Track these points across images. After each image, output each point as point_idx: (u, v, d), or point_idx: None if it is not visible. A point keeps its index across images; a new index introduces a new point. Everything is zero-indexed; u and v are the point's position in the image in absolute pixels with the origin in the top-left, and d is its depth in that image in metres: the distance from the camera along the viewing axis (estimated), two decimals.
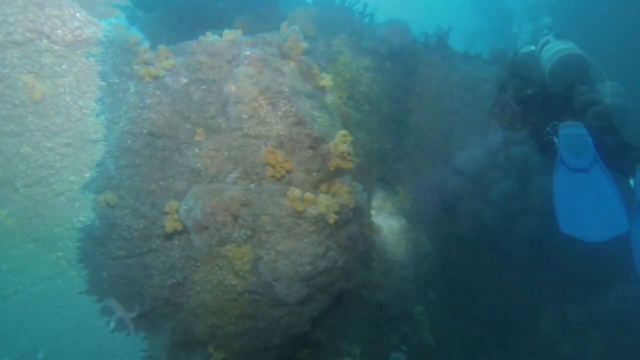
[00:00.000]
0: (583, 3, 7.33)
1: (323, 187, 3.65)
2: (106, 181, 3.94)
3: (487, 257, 3.46)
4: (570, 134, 2.91)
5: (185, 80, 3.79)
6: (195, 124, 3.82)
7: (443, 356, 3.25)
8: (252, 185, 3.37)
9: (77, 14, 3.30)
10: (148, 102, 3.67)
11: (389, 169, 3.84)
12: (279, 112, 3.50)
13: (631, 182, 2.89)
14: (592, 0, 7.23)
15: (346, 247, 3.79)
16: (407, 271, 3.77)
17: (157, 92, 3.66)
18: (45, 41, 3.22)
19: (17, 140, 3.37)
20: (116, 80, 3.69)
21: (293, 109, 3.51)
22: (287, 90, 3.42)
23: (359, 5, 4.28)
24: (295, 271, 3.51)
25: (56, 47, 3.29)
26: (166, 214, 3.68)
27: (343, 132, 3.42)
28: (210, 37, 3.48)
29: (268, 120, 3.51)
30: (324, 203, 3.30)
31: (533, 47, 6.36)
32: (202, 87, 3.37)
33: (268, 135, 3.51)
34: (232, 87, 3.41)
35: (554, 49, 5.90)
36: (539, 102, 3.27)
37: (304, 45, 3.40)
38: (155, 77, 3.65)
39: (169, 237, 3.85)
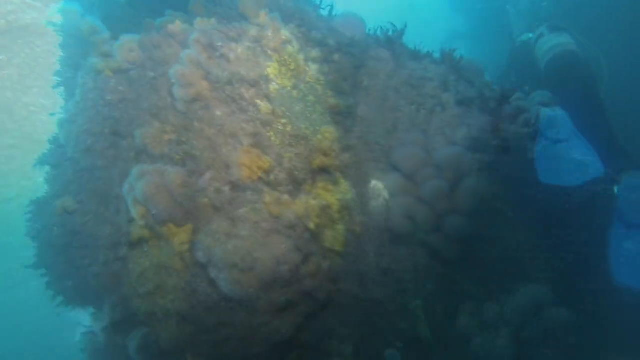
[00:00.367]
0: None
1: (307, 187, 3.64)
2: (64, 186, 3.84)
3: (418, 253, 3.57)
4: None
5: (152, 74, 3.79)
6: (163, 121, 3.84)
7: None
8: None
9: None
10: (109, 98, 3.59)
11: (333, 160, 3.90)
12: (222, 97, 3.53)
13: (615, 189, 3.03)
14: None
15: (360, 284, 3.80)
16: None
17: (120, 88, 3.60)
18: None
19: None
20: (70, 75, 3.56)
21: (236, 95, 3.54)
22: (231, 76, 3.45)
23: None
24: (274, 278, 3.47)
25: None
26: (132, 220, 3.63)
27: (328, 128, 3.45)
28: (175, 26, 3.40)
29: (211, 106, 3.54)
30: (303, 206, 3.33)
31: (531, 35, 6.41)
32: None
33: (210, 121, 3.54)
34: (177, 70, 3.43)
35: (549, 43, 5.97)
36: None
37: (285, 35, 3.41)
38: (117, 71, 3.53)
39: (135, 245, 3.82)
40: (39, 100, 3.37)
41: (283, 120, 3.64)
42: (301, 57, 3.63)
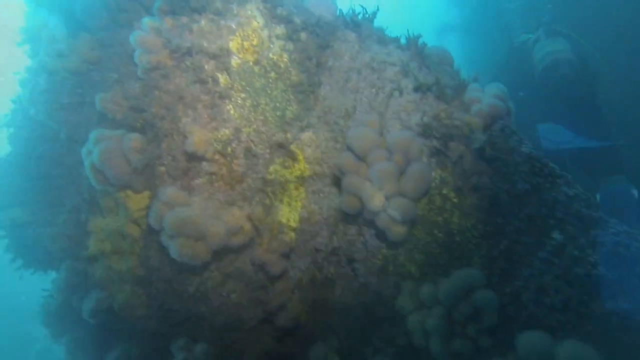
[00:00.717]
0: None
1: (264, 162, 3.68)
2: (13, 196, 3.78)
3: (366, 233, 3.67)
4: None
5: (116, 76, 3.76)
6: (124, 87, 3.84)
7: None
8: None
9: None
10: (66, 101, 3.53)
11: (292, 137, 3.96)
12: (183, 67, 3.56)
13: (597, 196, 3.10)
14: None
15: (314, 261, 3.87)
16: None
17: (79, 90, 3.54)
18: None
19: None
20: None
21: (196, 66, 3.56)
22: (191, 47, 3.47)
23: None
24: (224, 249, 3.53)
25: None
26: (90, 232, 3.64)
27: (289, 105, 3.49)
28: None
29: (171, 75, 3.56)
30: (259, 181, 3.38)
31: (531, 36, 6.44)
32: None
33: (169, 90, 3.57)
34: (138, 35, 3.44)
35: (545, 49, 6.02)
36: None
37: (250, 10, 3.42)
38: (75, 73, 3.45)
39: (93, 259, 3.82)
40: None
41: (242, 95, 3.68)
42: (265, 33, 3.65)
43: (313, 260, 4.07)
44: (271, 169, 3.92)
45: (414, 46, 3.99)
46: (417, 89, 3.61)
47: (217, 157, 3.70)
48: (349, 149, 3.50)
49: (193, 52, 3.48)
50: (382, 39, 4.11)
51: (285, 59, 3.78)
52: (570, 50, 5.65)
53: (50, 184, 4.07)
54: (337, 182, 3.82)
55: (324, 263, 4.02)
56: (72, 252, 4.65)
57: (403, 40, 4.08)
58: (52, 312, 4.66)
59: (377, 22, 4.43)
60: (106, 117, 3.90)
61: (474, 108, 3.38)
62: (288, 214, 4.07)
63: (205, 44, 3.51)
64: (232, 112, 3.68)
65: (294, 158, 3.98)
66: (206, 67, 3.55)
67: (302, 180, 4.02)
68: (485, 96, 3.39)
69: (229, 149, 3.71)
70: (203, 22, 3.55)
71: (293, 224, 4.09)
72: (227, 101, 3.62)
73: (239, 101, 3.68)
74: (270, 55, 3.73)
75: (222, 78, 3.58)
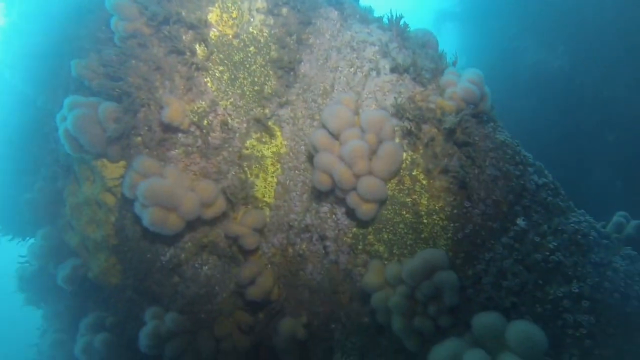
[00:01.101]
0: None
1: (241, 136, 3.67)
2: None
3: (337, 211, 3.71)
4: None
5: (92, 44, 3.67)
6: (101, 55, 3.79)
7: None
8: None
9: None
10: (42, 67, 3.46)
11: (270, 113, 3.97)
12: (160, 37, 3.53)
13: None
14: None
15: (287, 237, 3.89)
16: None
17: (56, 56, 3.46)
18: None
19: None
20: None
21: (174, 36, 3.54)
22: (168, 15, 3.44)
23: None
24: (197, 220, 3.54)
25: None
26: (66, 200, 3.57)
27: (268, 81, 3.47)
28: None
29: (148, 44, 3.54)
30: (235, 154, 3.43)
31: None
32: None
33: (146, 59, 3.54)
34: (113, 1, 3.40)
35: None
36: None
37: None
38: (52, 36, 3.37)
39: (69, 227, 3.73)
40: None
41: (220, 68, 3.67)
42: (245, 5, 3.63)
43: (286, 236, 4.12)
44: (247, 143, 3.93)
45: (395, 27, 3.97)
46: (393, 70, 3.62)
47: (193, 129, 3.71)
48: (324, 126, 3.51)
49: (170, 21, 3.45)
50: (365, 18, 4.09)
51: (265, 34, 3.76)
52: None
53: (26, 150, 4.05)
54: (312, 159, 3.84)
55: (296, 239, 4.07)
56: (48, 219, 4.67)
57: (386, 21, 4.06)
58: (27, 277, 4.70)
59: (373, 5, 4.41)
60: (83, 84, 3.88)
61: (448, 91, 3.39)
62: (263, 190, 4.10)
63: (183, 14, 3.48)
64: (209, 84, 3.67)
65: (272, 134, 3.99)
66: (184, 37, 3.53)
67: (278, 156, 4.04)
68: (461, 80, 3.39)
69: (206, 122, 3.71)
70: None
71: (268, 200, 4.13)
72: (204, 73, 3.61)
73: (217, 74, 3.67)
74: (250, 29, 3.71)
75: (200, 50, 3.56)
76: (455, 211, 3.31)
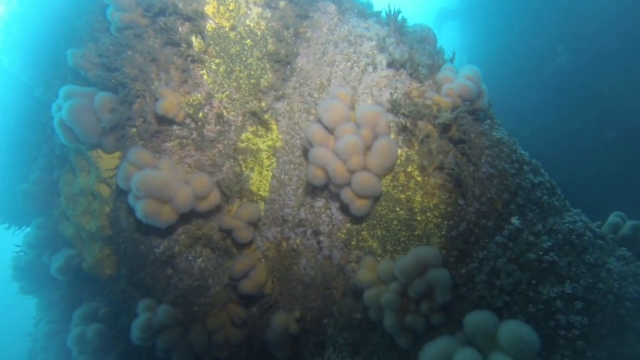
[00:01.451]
0: None
1: (237, 129, 3.65)
2: None
3: (332, 207, 3.69)
4: None
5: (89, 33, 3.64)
6: (97, 45, 3.75)
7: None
8: None
9: None
10: (41, 56, 3.45)
11: (266, 107, 3.94)
12: (156, 28, 3.51)
13: None
14: None
15: (281, 231, 3.87)
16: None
17: (55, 45, 3.45)
18: None
19: None
20: None
21: (170, 28, 3.51)
22: (164, 6, 3.41)
23: None
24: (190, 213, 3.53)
25: None
26: (62, 190, 3.53)
27: (264, 74, 3.45)
28: None
29: (144, 35, 3.51)
30: (230, 147, 3.40)
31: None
32: None
33: (142, 50, 3.52)
34: None
35: None
36: None
37: None
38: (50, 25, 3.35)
39: (64, 217, 3.71)
40: None
41: (216, 60, 3.64)
42: None
43: (281, 230, 4.10)
44: (243, 136, 3.91)
45: (393, 22, 3.93)
46: (390, 65, 3.58)
47: (188, 121, 3.69)
48: (319, 120, 3.48)
49: (167, 12, 3.43)
50: (363, 13, 4.06)
51: (262, 27, 3.73)
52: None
53: (24, 140, 4.04)
54: (307, 153, 3.82)
55: (290, 234, 4.05)
56: (43, 209, 4.67)
57: (384, 16, 4.03)
58: (22, 267, 4.70)
59: (373, 1, 4.37)
60: (80, 75, 3.87)
61: (444, 87, 3.36)
62: (258, 183, 4.08)
63: (180, 5, 3.45)
64: (205, 77, 3.65)
65: (268, 127, 3.97)
66: (180, 29, 3.50)
67: (274, 150, 4.02)
68: (458, 77, 3.36)
69: (201, 114, 3.69)
70: None
71: (263, 193, 4.11)
72: (200, 65, 3.58)
73: (213, 66, 3.65)
74: (247, 21, 3.68)
75: (196, 42, 3.54)
76: (449, 209, 3.28)
